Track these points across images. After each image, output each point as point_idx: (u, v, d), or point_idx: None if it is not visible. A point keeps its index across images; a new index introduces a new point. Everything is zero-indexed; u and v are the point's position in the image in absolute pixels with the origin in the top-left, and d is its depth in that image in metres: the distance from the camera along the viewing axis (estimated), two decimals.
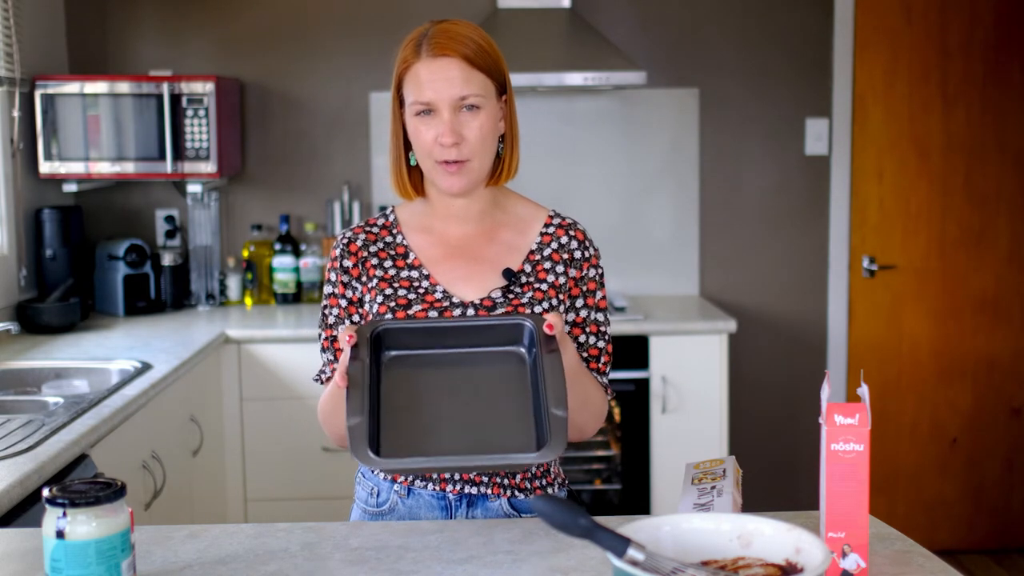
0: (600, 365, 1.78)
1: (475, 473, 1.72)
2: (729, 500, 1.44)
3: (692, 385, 3.70)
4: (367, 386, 1.51)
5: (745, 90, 4.19)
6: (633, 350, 3.65)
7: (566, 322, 1.76)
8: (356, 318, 1.77)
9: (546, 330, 1.55)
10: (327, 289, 1.80)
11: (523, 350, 1.62)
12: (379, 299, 1.73)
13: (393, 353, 1.62)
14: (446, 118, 1.67)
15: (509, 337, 1.63)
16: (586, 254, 1.78)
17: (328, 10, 4.13)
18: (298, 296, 4.10)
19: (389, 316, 1.71)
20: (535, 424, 1.53)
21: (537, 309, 1.71)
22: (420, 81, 1.67)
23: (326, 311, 1.80)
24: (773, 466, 4.27)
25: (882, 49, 4.19)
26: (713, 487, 1.48)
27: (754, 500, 4.24)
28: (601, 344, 1.78)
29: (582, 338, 1.76)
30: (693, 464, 1.58)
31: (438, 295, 1.73)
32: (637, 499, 3.73)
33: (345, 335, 1.54)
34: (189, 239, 4.10)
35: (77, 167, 3.71)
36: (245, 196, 4.18)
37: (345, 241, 1.80)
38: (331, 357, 1.79)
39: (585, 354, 1.76)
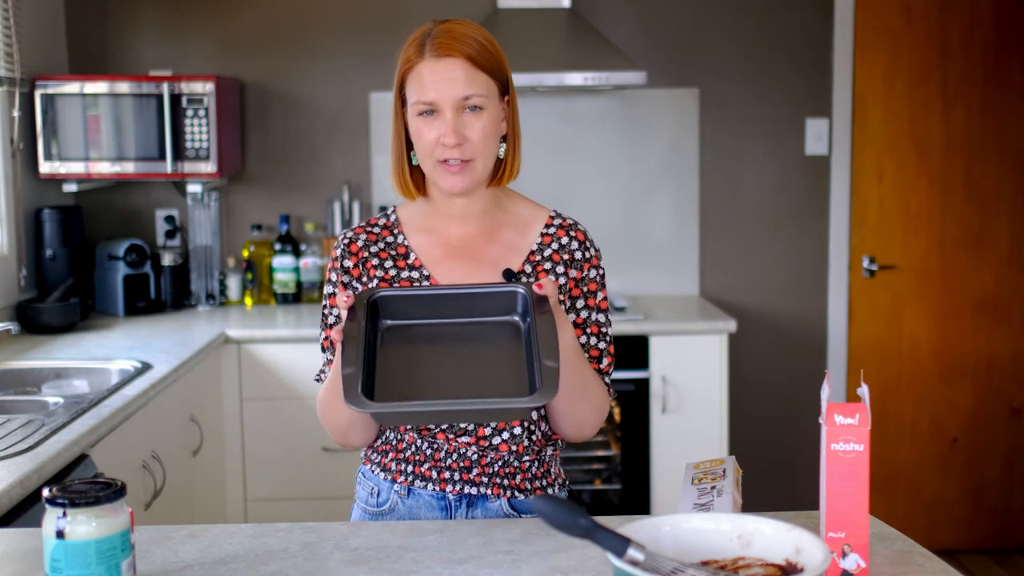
0: (603, 366, 1.76)
1: (471, 424, 1.70)
2: (729, 500, 1.44)
3: (692, 385, 3.70)
4: (363, 342, 1.53)
5: (745, 90, 4.19)
6: (633, 350, 3.65)
7: None
8: None
9: (536, 289, 1.56)
10: (327, 289, 1.80)
11: (518, 319, 1.63)
12: None
13: (389, 323, 1.64)
14: (449, 118, 1.66)
15: (504, 307, 1.63)
16: (587, 255, 1.78)
17: (328, 10, 4.13)
18: (298, 296, 4.10)
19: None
20: (529, 383, 1.53)
21: None
22: (423, 81, 1.67)
23: (326, 311, 1.80)
24: (773, 466, 4.27)
25: (882, 49, 4.19)
26: (713, 487, 1.48)
27: (754, 500, 4.24)
28: (602, 345, 1.77)
29: (583, 339, 1.75)
30: (693, 464, 1.58)
31: None
32: (637, 499, 3.73)
33: (343, 298, 1.56)
34: (189, 239, 4.10)
35: (77, 167, 3.71)
36: (245, 196, 4.18)
37: (346, 241, 1.79)
38: (331, 356, 1.78)
39: (587, 355, 1.75)
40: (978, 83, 4.20)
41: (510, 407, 1.49)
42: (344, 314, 1.57)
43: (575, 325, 1.75)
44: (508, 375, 1.56)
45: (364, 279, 1.77)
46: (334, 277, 1.79)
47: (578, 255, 1.77)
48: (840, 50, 4.17)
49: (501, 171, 1.77)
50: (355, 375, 1.47)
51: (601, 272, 1.79)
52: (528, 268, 1.75)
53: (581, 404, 1.69)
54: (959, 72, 4.20)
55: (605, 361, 1.76)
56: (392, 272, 1.76)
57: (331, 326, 1.78)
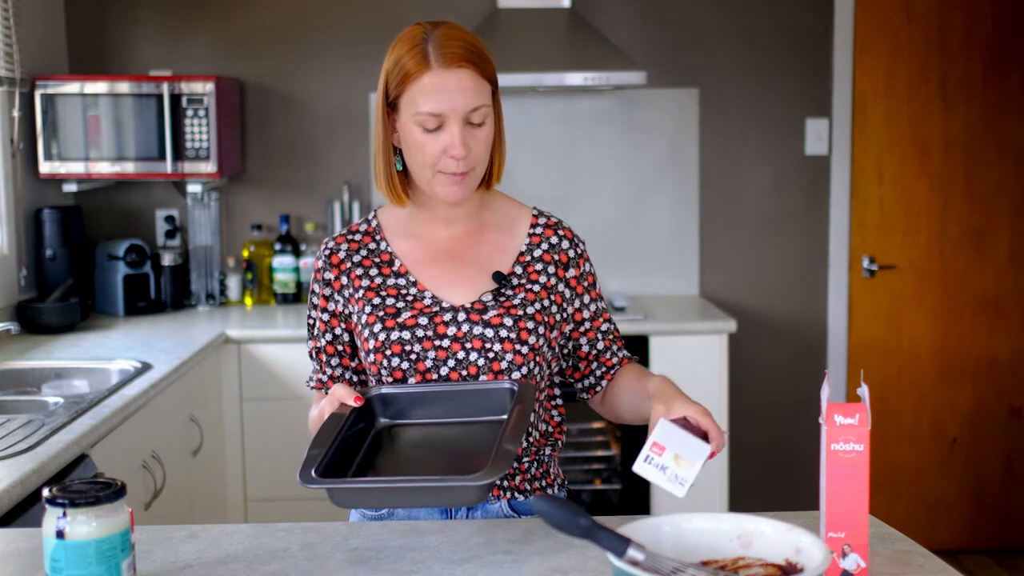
0: (620, 343, 1.85)
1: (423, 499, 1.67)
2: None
3: (692, 385, 3.66)
4: (342, 427, 1.56)
5: (745, 90, 4.19)
6: (633, 350, 3.65)
7: (581, 319, 1.80)
8: (338, 330, 1.77)
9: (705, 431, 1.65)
10: (311, 299, 1.80)
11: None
12: (367, 309, 1.72)
13: (384, 421, 1.67)
14: (456, 131, 1.63)
15: (500, 405, 1.64)
16: (578, 251, 1.80)
17: (328, 10, 4.13)
18: (298, 296, 4.10)
19: (379, 326, 1.70)
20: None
21: (529, 310, 1.71)
22: (431, 91, 1.62)
23: (310, 320, 1.81)
24: (773, 466, 4.27)
25: (882, 49, 4.19)
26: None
27: (754, 500, 4.25)
28: (613, 327, 1.85)
29: (604, 327, 1.81)
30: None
31: (427, 301, 1.71)
32: (637, 499, 3.73)
33: (350, 399, 1.60)
34: (189, 239, 4.10)
35: (77, 167, 3.71)
36: (245, 196, 4.18)
37: (327, 252, 1.78)
38: (317, 366, 1.80)
39: (611, 338, 1.82)
40: (978, 83, 4.20)
41: (453, 484, 1.45)
42: (344, 402, 1.61)
43: (593, 318, 1.81)
44: (478, 462, 1.49)
45: (347, 292, 1.75)
46: (316, 288, 1.78)
47: (571, 253, 1.79)
48: (840, 50, 4.17)
49: (488, 174, 1.75)
50: (317, 456, 1.49)
51: (591, 263, 1.84)
52: (519, 270, 1.75)
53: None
54: (959, 72, 4.20)
55: (620, 339, 1.86)
56: (378, 280, 1.74)
57: (315, 336, 1.79)
